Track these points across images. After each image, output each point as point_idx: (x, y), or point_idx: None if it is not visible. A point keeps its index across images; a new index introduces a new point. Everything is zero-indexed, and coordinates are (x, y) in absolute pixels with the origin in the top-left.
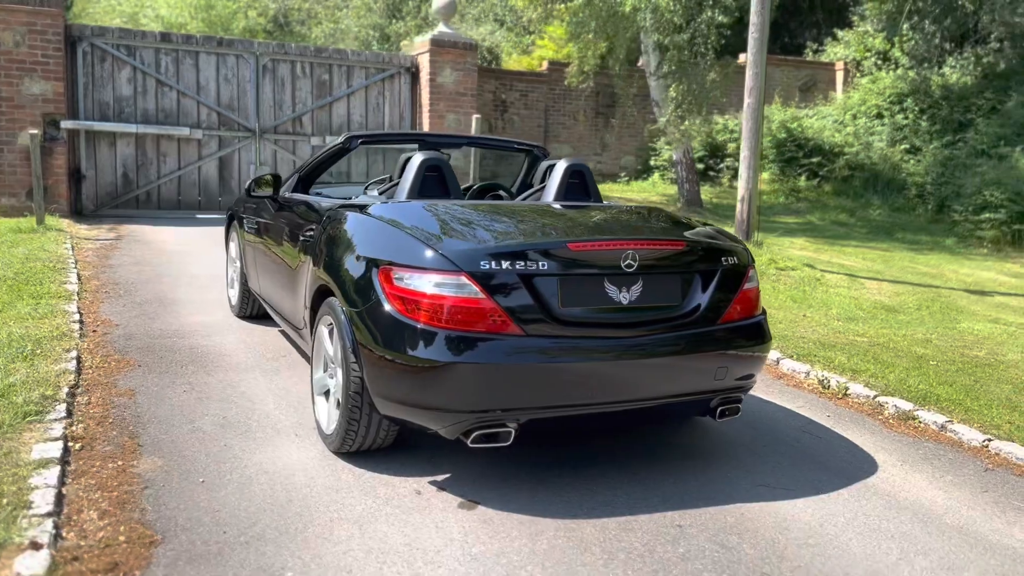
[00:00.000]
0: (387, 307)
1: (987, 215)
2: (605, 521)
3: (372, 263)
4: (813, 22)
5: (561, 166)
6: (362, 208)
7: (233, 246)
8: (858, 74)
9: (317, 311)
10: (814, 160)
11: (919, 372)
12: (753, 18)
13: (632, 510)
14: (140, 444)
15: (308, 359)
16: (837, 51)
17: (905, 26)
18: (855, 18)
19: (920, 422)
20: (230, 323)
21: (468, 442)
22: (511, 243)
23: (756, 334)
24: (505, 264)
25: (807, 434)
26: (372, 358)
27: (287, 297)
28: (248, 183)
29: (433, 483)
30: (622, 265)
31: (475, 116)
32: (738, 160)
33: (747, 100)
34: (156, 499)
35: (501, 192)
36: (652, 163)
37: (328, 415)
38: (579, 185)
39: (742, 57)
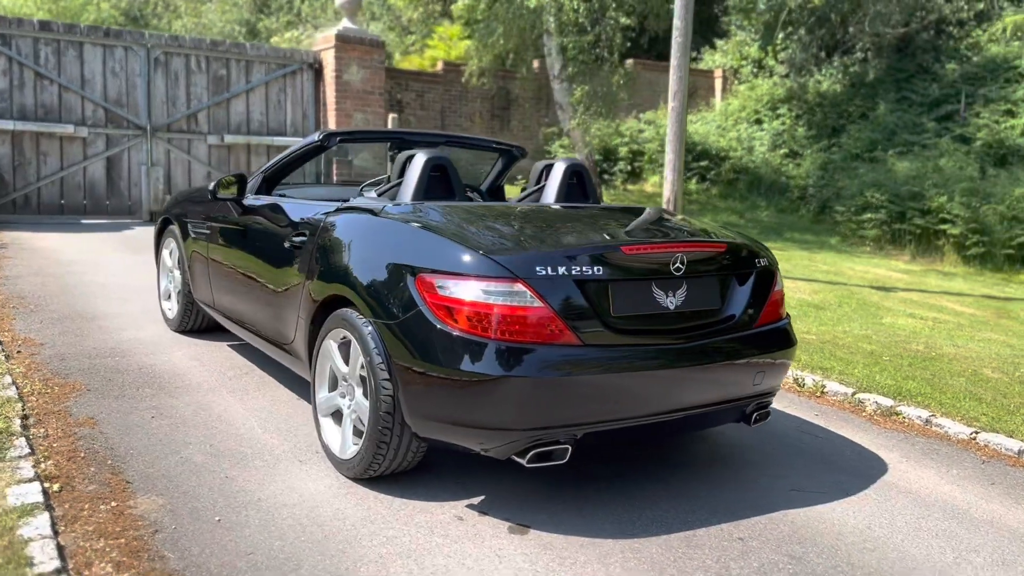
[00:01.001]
0: (429, 318)
1: (868, 215)
2: (666, 538)
3: (407, 270)
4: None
5: (560, 167)
6: (373, 211)
7: (168, 254)
8: (736, 81)
9: (320, 324)
10: (703, 164)
11: (879, 368)
12: (676, 22)
13: (687, 525)
14: (128, 481)
15: (287, 376)
16: (715, 59)
17: (780, 36)
18: (732, 28)
19: (904, 417)
20: (170, 338)
21: (524, 462)
22: (565, 247)
23: (787, 337)
24: (561, 269)
25: (806, 434)
26: (410, 374)
27: (264, 310)
28: (212, 186)
29: (471, 507)
30: (671, 269)
31: (391, 116)
32: (631, 164)
33: (671, 103)
34: (174, 544)
35: (471, 193)
36: None
37: (343, 438)
38: (578, 186)
39: (628, 62)
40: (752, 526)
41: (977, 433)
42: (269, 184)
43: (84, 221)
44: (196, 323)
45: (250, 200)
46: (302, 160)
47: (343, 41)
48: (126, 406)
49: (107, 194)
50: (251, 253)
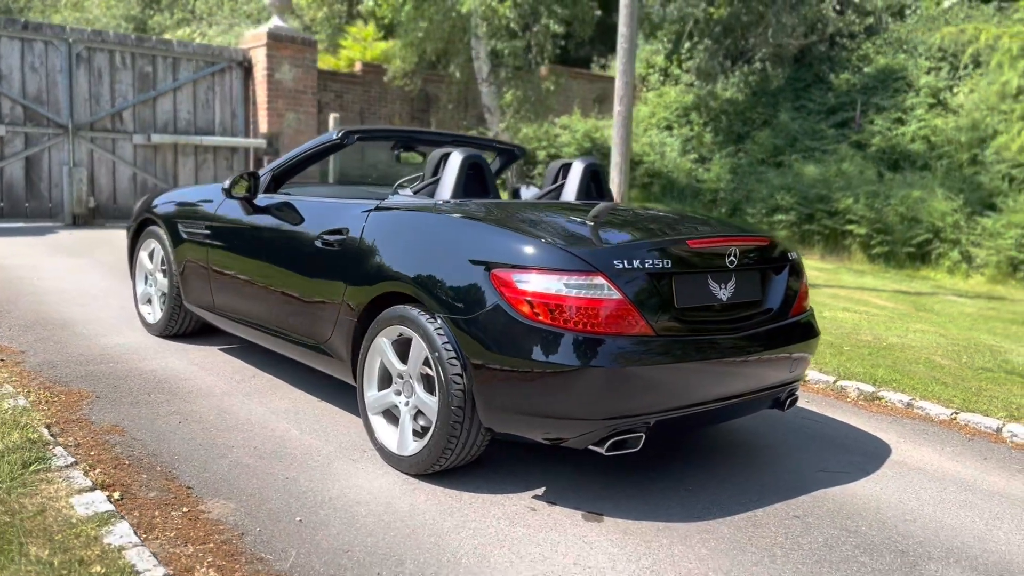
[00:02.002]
0: (509, 312)
1: (779, 216)
2: (731, 519)
3: (481, 266)
4: (590, 39)
5: (579, 166)
6: (427, 208)
7: (147, 257)
8: (644, 89)
9: (366, 323)
10: None
11: (846, 357)
12: (622, 29)
13: (743, 507)
14: (188, 486)
15: (295, 377)
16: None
17: (687, 45)
18: (640, 38)
19: (887, 402)
20: (156, 344)
21: (603, 451)
22: (638, 241)
23: (813, 328)
24: (636, 262)
25: (807, 419)
26: (487, 368)
27: (289, 310)
28: (228, 184)
29: (537, 498)
30: (726, 262)
31: (333, 115)
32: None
33: (617, 107)
34: (268, 546)
35: None
36: None
37: (401, 435)
38: (595, 185)
39: (543, 70)
40: (801, 505)
41: (957, 413)
42: (277, 182)
43: (2, 225)
44: (182, 328)
45: (263, 199)
46: (317, 158)
47: (275, 39)
48: (147, 412)
49: (26, 196)
50: (271, 253)
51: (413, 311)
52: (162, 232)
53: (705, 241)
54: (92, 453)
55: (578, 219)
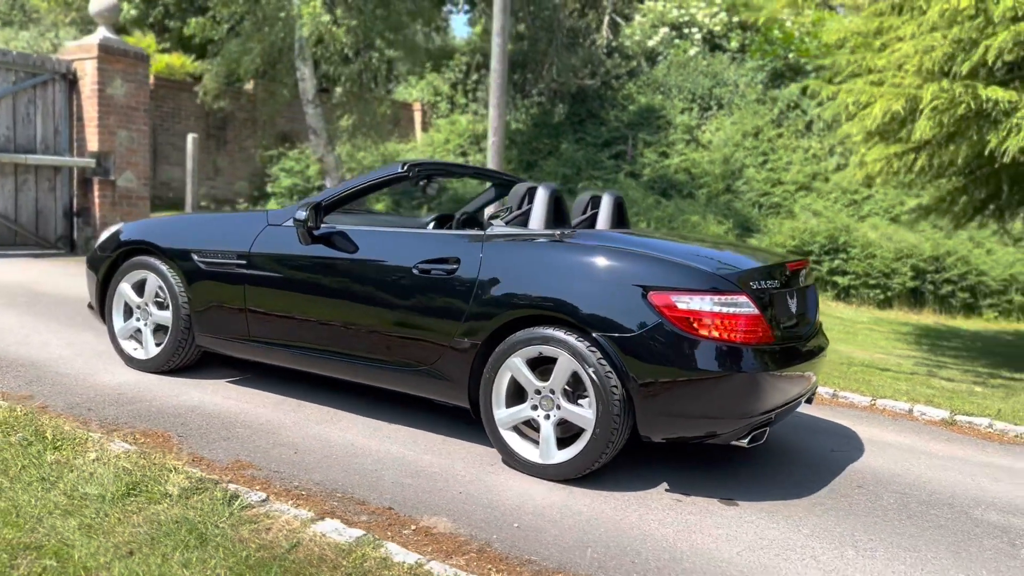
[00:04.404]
0: (671, 329)
1: None
2: (819, 495)
3: (639, 289)
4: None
5: (608, 198)
6: (552, 237)
7: (129, 289)
8: (434, 115)
9: (491, 346)
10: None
11: None
12: (494, 64)
13: (817, 485)
14: (389, 507)
15: (342, 402)
16: (412, 93)
17: (475, 77)
18: (427, 66)
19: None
20: (161, 380)
21: (745, 443)
22: (764, 266)
23: (826, 337)
24: (763, 283)
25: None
26: (650, 378)
27: (382, 338)
28: (302, 215)
29: (669, 491)
30: (800, 280)
31: (191, 136)
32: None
33: (492, 138)
34: (520, 548)
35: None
36: (270, 189)
37: (545, 446)
38: (620, 215)
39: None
40: (851, 477)
41: (874, 401)
42: (326, 211)
43: None
44: (184, 361)
45: (325, 229)
46: (377, 189)
47: (107, 52)
48: (252, 446)
49: None
50: (344, 282)
51: (558, 332)
52: (161, 263)
53: (795, 264)
54: (267, 487)
55: (702, 247)
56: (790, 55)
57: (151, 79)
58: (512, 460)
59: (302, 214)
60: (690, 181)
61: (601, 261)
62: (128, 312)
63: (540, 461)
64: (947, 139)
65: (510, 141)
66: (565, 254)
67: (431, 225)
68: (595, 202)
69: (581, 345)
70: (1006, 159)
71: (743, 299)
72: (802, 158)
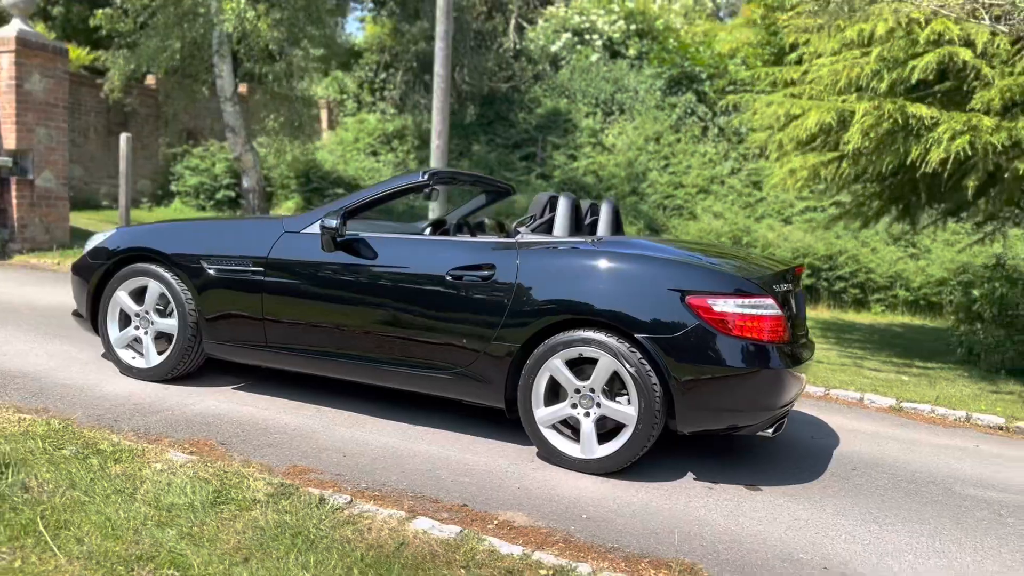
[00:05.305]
0: (710, 329)
1: None
2: (823, 479)
3: (676, 293)
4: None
5: (607, 206)
6: (577, 247)
7: (127, 297)
8: (341, 113)
9: (529, 348)
10: (339, 191)
11: None
12: (437, 68)
13: (820, 468)
14: (464, 504)
15: (364, 406)
16: (317, 90)
17: (383, 75)
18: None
19: None
20: (164, 388)
21: (770, 434)
22: (781, 271)
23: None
24: (783, 286)
25: None
26: (691, 375)
27: (414, 342)
28: (331, 223)
29: (697, 479)
30: (800, 284)
31: (125, 135)
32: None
33: (436, 142)
34: (604, 536)
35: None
36: (174, 188)
37: (586, 442)
38: (617, 222)
39: (242, 87)
40: (842, 462)
41: (827, 392)
42: (345, 218)
43: None
44: (189, 368)
45: (348, 236)
46: (397, 196)
47: (24, 46)
48: (297, 452)
49: None
50: (376, 286)
51: (598, 334)
52: (164, 271)
53: (799, 269)
54: (340, 490)
55: (724, 254)
56: (685, 64)
57: None
58: (552, 456)
59: (332, 222)
60: (598, 183)
61: (638, 267)
62: (125, 320)
63: (582, 456)
64: (874, 149)
65: (421, 141)
66: (603, 260)
67: (427, 231)
68: (594, 210)
69: (622, 346)
70: (927, 169)
71: (769, 301)
72: (700, 162)
